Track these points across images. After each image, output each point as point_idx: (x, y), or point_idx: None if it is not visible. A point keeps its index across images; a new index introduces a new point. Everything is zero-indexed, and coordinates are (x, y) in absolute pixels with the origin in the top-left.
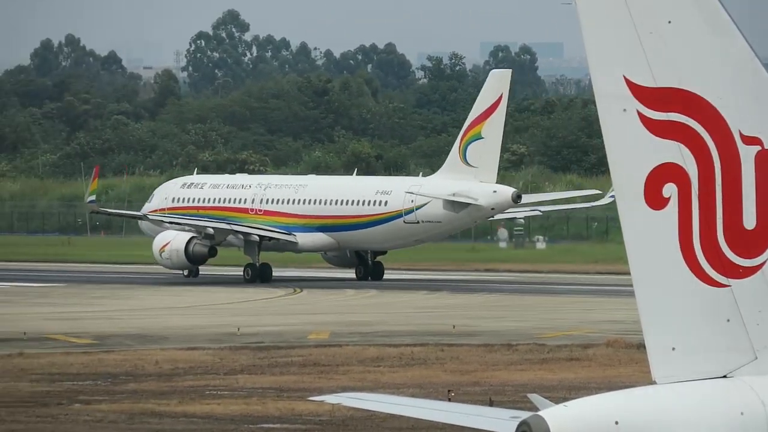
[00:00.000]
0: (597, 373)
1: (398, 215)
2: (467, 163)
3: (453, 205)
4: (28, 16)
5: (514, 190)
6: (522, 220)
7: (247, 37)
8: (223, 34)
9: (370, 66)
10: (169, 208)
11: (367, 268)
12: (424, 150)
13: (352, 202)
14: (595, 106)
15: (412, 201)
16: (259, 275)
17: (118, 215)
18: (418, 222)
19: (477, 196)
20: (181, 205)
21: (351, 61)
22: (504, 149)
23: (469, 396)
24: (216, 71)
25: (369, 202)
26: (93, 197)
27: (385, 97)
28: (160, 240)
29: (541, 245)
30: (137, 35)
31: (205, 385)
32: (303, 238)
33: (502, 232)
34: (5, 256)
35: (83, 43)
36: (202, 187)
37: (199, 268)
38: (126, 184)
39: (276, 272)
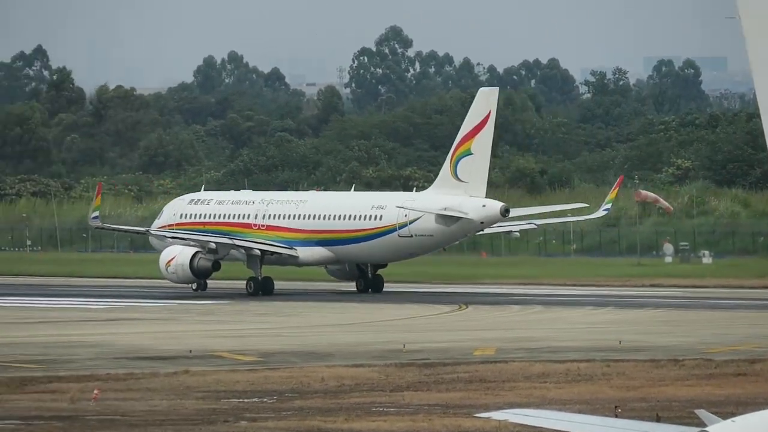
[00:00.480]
0: (764, 388)
1: (392, 229)
2: (458, 179)
3: (444, 219)
4: (191, 35)
5: (502, 204)
6: (518, 234)
7: (410, 52)
8: (386, 50)
9: (533, 81)
10: (177, 224)
11: (368, 280)
12: (588, 165)
13: (349, 216)
14: (760, 119)
15: (406, 215)
16: (262, 288)
17: (121, 231)
18: (411, 236)
19: (467, 210)
20: (188, 220)
21: (514, 77)
22: (668, 163)
23: (635, 412)
24: (379, 87)
25: (365, 216)
26: (96, 214)
27: (549, 113)
28: (166, 255)
29: (707, 260)
30: (300, 52)
31: (371, 402)
32: (303, 252)
33: (668, 247)
34: None
35: (246, 60)
36: (208, 204)
37: (207, 282)
38: None
39: (278, 285)
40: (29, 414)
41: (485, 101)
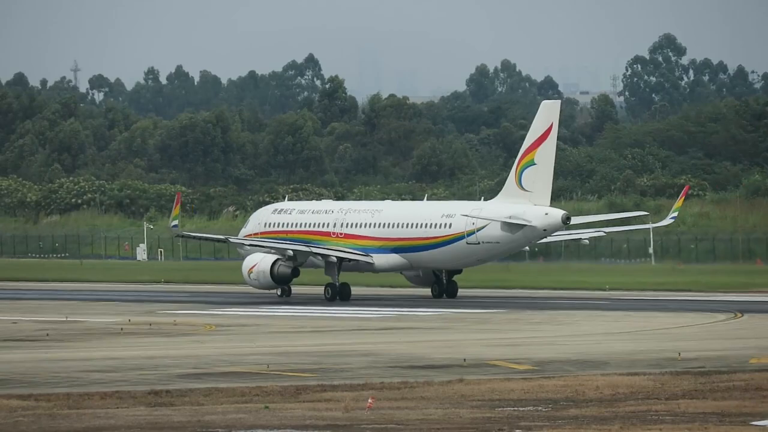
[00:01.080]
0: None
1: (461, 237)
2: (522, 188)
3: (509, 226)
4: (462, 44)
5: (564, 212)
6: (587, 241)
7: (684, 60)
8: (660, 58)
9: None
10: (261, 233)
11: (442, 286)
12: None
13: (421, 225)
14: None
15: (473, 223)
16: (339, 294)
17: (202, 239)
18: (479, 243)
19: (531, 218)
20: (271, 229)
21: None
22: None
23: None
24: (653, 95)
25: (435, 225)
26: (176, 222)
27: None
28: (248, 262)
29: None
30: (572, 60)
31: (647, 411)
32: (379, 259)
33: None
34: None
35: (519, 68)
36: (290, 213)
37: (291, 288)
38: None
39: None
40: (304, 423)
41: (548, 114)
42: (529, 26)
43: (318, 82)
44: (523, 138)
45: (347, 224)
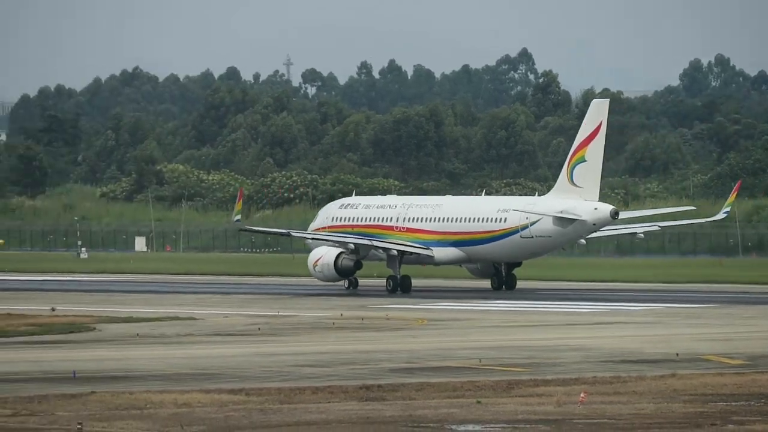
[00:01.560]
0: None
1: (515, 231)
2: (574, 184)
3: (561, 221)
4: (673, 37)
5: (613, 207)
6: (642, 235)
7: None
8: None
9: None
10: (329, 227)
11: (501, 278)
12: None
13: (478, 219)
14: None
15: (527, 218)
16: (400, 286)
17: (264, 233)
18: (532, 237)
19: (581, 213)
20: (339, 223)
21: None
22: None
23: None
24: None
25: (491, 219)
26: (238, 217)
27: None
28: (314, 255)
29: None
30: None
31: None
32: (438, 252)
33: None
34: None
35: (733, 62)
36: (356, 208)
37: (357, 279)
38: None
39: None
40: (516, 417)
41: (597, 112)
42: (744, 21)
43: (531, 77)
44: (737, 133)
45: (409, 219)
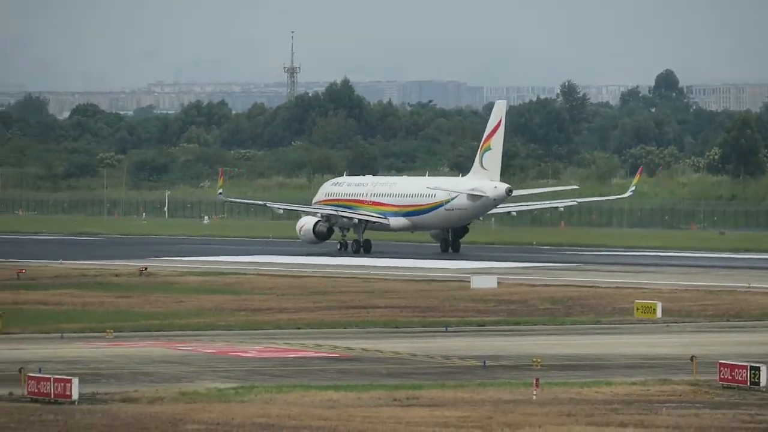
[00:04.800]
0: None
1: (441, 204)
2: (483, 168)
3: (472, 197)
4: None
5: (508, 186)
6: (562, 209)
7: None
8: None
9: None
10: (323, 200)
11: (448, 243)
12: None
13: (418, 195)
14: None
15: (449, 194)
16: (363, 247)
17: (245, 203)
18: (453, 209)
19: (486, 190)
20: (329, 198)
21: None
22: None
23: None
24: None
25: (426, 195)
26: (221, 191)
27: None
28: (299, 223)
29: None
30: None
31: None
32: (393, 221)
33: None
34: None
35: None
36: (342, 185)
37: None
38: None
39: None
40: None
41: (498, 111)
42: None
43: None
44: None
45: (375, 194)
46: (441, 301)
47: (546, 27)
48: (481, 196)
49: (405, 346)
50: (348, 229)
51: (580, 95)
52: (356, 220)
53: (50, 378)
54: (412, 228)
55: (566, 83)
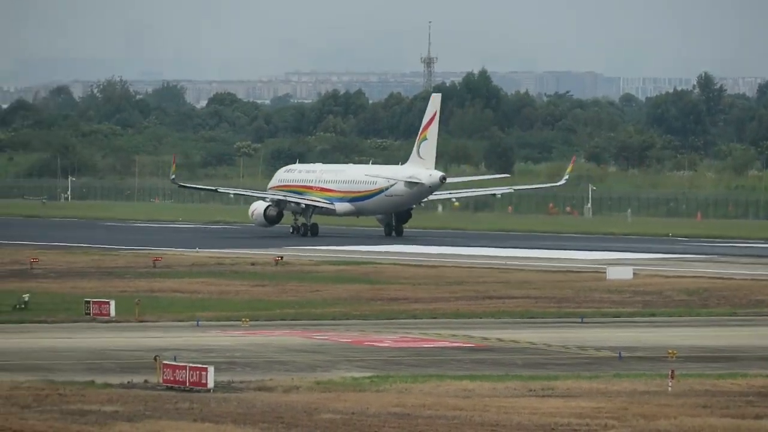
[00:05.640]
0: None
1: (381, 191)
2: (420, 157)
3: (409, 184)
4: None
5: (442, 174)
6: (499, 195)
7: None
8: None
9: None
10: (276, 186)
11: (392, 228)
12: None
13: (361, 182)
14: None
15: (389, 181)
16: (310, 230)
17: (196, 189)
18: (392, 195)
19: (421, 178)
20: (283, 183)
21: None
22: None
23: None
24: None
25: (368, 182)
26: (173, 176)
27: None
28: (251, 207)
29: None
30: None
31: None
32: (339, 206)
33: None
34: None
35: None
36: (293, 172)
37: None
38: None
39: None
40: None
41: (433, 104)
42: None
43: None
44: None
45: (323, 181)
46: (576, 292)
47: (683, 19)
48: (417, 183)
49: (540, 336)
50: (300, 213)
51: (717, 87)
52: (303, 205)
53: (186, 366)
54: (357, 213)
55: (702, 75)
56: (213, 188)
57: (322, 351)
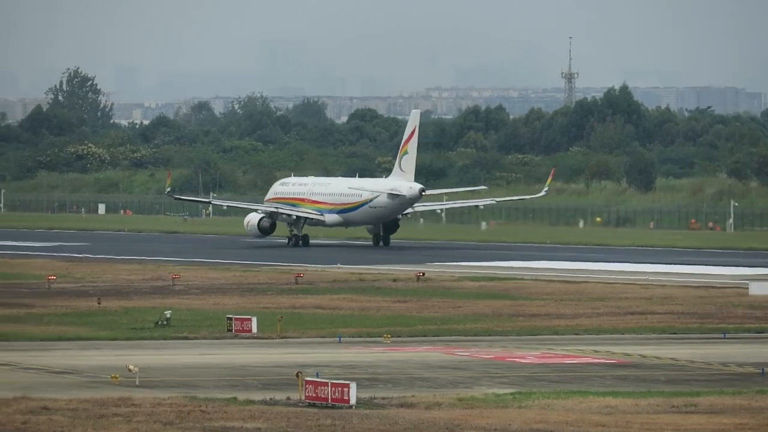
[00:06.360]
0: None
1: (366, 203)
2: (401, 170)
3: (391, 196)
4: None
5: (421, 186)
6: (482, 207)
7: None
8: None
9: None
10: (272, 198)
11: (380, 238)
12: None
13: (347, 194)
14: None
15: (372, 194)
16: (301, 241)
17: (192, 201)
18: (376, 207)
19: (402, 190)
20: (277, 196)
21: None
22: None
23: None
24: None
25: (353, 195)
26: (169, 188)
27: None
28: (246, 219)
29: None
30: None
31: None
32: (328, 218)
33: None
34: None
35: None
36: (287, 185)
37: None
38: None
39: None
40: None
41: (413, 120)
42: None
43: None
44: None
45: (313, 194)
46: (719, 308)
47: None
48: (398, 195)
49: (683, 352)
50: (293, 224)
51: None
52: (295, 217)
53: (328, 382)
54: (345, 224)
55: None
56: (207, 200)
57: (464, 367)
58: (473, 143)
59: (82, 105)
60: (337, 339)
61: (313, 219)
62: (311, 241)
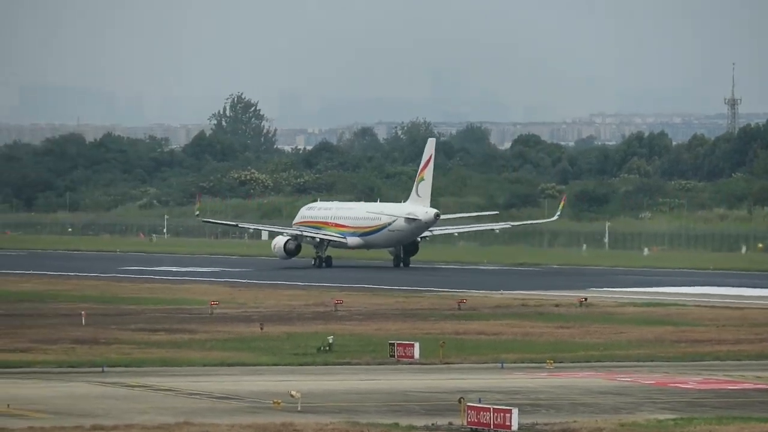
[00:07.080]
0: None
1: (385, 226)
2: (418, 195)
3: (408, 220)
4: None
5: (436, 211)
6: (498, 231)
7: None
8: None
9: None
10: (299, 222)
11: (400, 260)
12: None
13: (368, 218)
14: None
15: (391, 218)
16: (324, 262)
17: (219, 224)
18: (394, 231)
19: (418, 214)
20: (304, 220)
21: None
22: None
23: None
24: None
25: (373, 218)
26: (198, 212)
27: None
28: (273, 241)
29: None
30: None
31: None
32: (350, 240)
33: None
34: None
35: None
36: (313, 210)
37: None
38: None
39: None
40: None
41: (429, 147)
42: None
43: None
44: None
45: (337, 217)
46: None
47: None
48: (415, 219)
49: None
50: (317, 246)
51: None
52: (318, 239)
53: (490, 408)
54: (366, 246)
55: None
56: (234, 223)
57: (625, 393)
58: (636, 169)
59: (245, 130)
60: (500, 365)
61: (335, 241)
62: (333, 263)
